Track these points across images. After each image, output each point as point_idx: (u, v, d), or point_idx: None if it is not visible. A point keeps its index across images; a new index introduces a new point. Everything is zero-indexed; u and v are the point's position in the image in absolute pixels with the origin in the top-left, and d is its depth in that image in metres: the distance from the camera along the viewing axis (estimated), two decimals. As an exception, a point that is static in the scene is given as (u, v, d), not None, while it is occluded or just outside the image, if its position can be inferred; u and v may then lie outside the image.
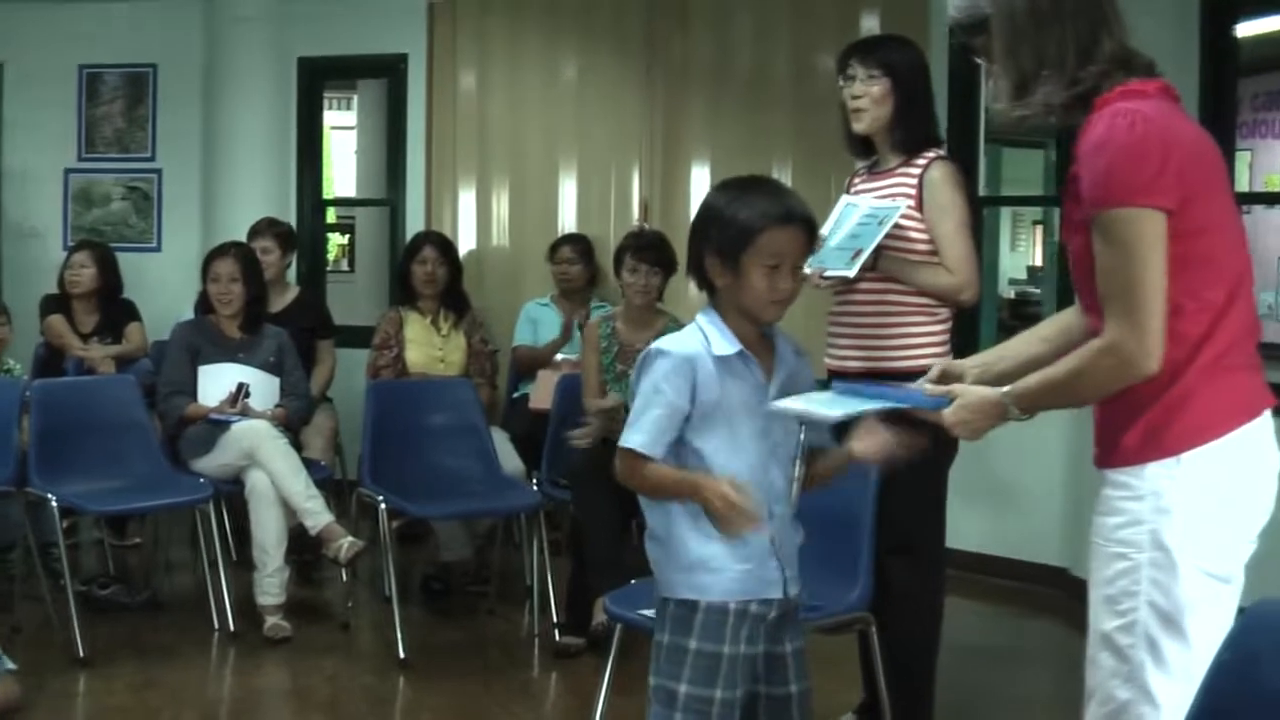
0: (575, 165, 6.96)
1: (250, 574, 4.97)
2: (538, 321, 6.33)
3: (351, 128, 10.89)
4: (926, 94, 3.76)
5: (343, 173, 12.19)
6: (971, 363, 2.61)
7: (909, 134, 3.70)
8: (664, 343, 2.55)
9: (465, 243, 7.07)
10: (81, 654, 4.56)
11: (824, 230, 3.66)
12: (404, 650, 4.66)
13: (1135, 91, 2.28)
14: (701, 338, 2.52)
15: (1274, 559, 2.38)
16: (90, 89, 7.72)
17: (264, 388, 5.32)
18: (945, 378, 2.53)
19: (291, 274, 6.75)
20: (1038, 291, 9.62)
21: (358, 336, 6.56)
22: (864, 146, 3.81)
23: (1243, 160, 7.42)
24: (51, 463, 4.97)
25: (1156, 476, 2.24)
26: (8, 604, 5.05)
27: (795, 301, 2.55)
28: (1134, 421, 2.27)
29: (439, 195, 7.27)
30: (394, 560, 5.03)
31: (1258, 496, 2.29)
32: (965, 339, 4.46)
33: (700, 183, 6.64)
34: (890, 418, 2.49)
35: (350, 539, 4.89)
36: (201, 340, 5.36)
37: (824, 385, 2.69)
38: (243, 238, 6.07)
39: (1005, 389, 2.36)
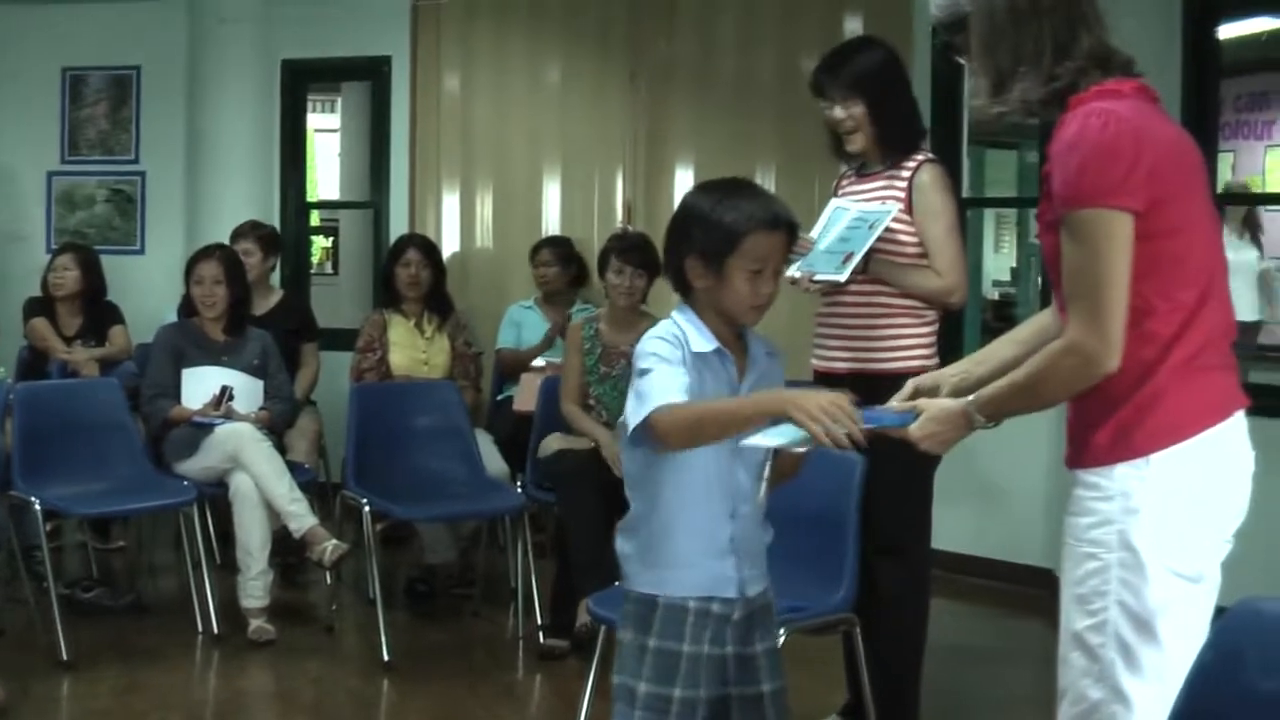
0: (559, 168, 6.97)
1: (234, 577, 4.96)
2: (521, 324, 6.34)
3: (335, 130, 10.85)
4: (902, 92, 3.76)
5: (326, 175, 12.14)
6: (952, 371, 2.61)
7: (891, 134, 3.70)
8: (653, 332, 2.50)
9: (449, 245, 7.07)
10: (65, 657, 4.55)
11: (813, 233, 3.67)
12: (388, 653, 4.66)
13: (1111, 91, 2.28)
14: (679, 333, 2.48)
15: (1253, 559, 2.40)
16: (74, 91, 7.70)
17: (248, 390, 5.31)
18: (919, 392, 2.53)
19: (275, 277, 6.73)
20: (1022, 293, 9.65)
21: (341, 339, 6.55)
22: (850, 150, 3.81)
23: (1225, 161, 7.45)
24: (35, 466, 4.95)
25: (1126, 477, 2.24)
26: (-9, 608, 5.04)
27: (779, 302, 2.54)
28: (1105, 421, 2.27)
29: (423, 198, 7.27)
30: (378, 563, 5.03)
31: (1230, 496, 2.29)
32: (949, 341, 4.46)
33: (684, 185, 6.63)
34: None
35: (334, 542, 4.88)
36: (185, 343, 5.34)
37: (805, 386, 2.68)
38: (226, 240, 6.06)
39: (970, 398, 2.36)
